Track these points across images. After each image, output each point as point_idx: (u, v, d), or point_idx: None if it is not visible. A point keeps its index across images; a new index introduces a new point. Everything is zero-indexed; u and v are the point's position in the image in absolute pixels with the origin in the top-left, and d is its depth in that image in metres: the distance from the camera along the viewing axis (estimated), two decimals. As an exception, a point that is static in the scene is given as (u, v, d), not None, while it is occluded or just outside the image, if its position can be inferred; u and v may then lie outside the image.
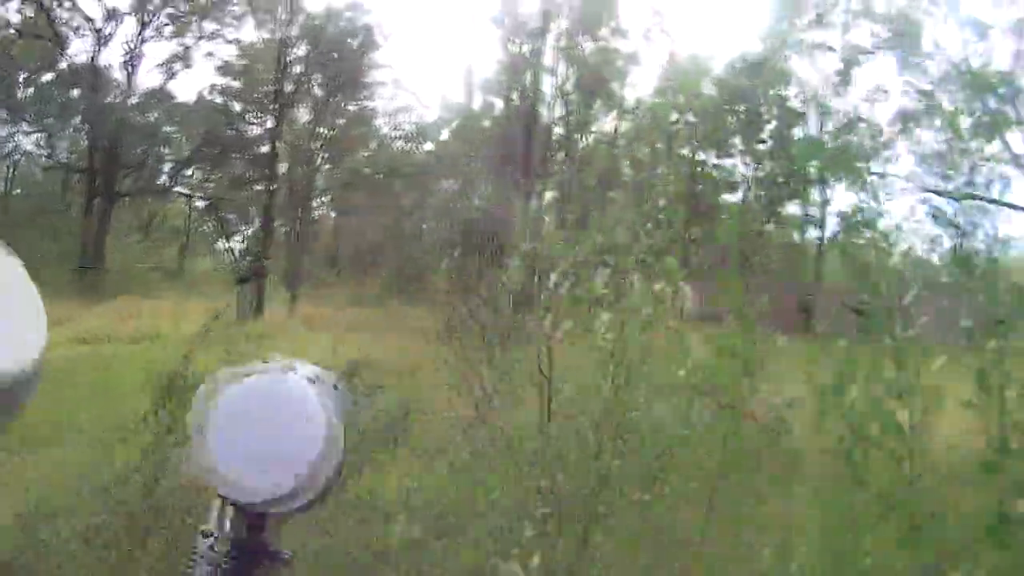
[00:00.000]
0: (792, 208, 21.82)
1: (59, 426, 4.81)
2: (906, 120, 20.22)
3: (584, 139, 22.46)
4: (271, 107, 20.55)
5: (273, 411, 0.46)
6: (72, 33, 22.94)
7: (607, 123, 21.98)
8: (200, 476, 0.46)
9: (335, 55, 21.84)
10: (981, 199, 20.55)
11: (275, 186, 19.94)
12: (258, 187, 22.97)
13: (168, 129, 23.09)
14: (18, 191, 26.80)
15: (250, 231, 25.20)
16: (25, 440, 4.34)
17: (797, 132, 21.06)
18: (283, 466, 0.44)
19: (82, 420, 5.01)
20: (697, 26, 41.70)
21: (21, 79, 23.63)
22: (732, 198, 22.89)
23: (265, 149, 20.87)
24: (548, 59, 20.92)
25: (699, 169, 22.16)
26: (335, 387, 0.53)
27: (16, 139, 25.99)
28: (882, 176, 21.51)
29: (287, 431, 0.46)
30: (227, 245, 24.73)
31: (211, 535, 0.44)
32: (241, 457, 0.45)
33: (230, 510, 0.44)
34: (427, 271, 18.84)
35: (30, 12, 21.91)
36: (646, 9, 25.40)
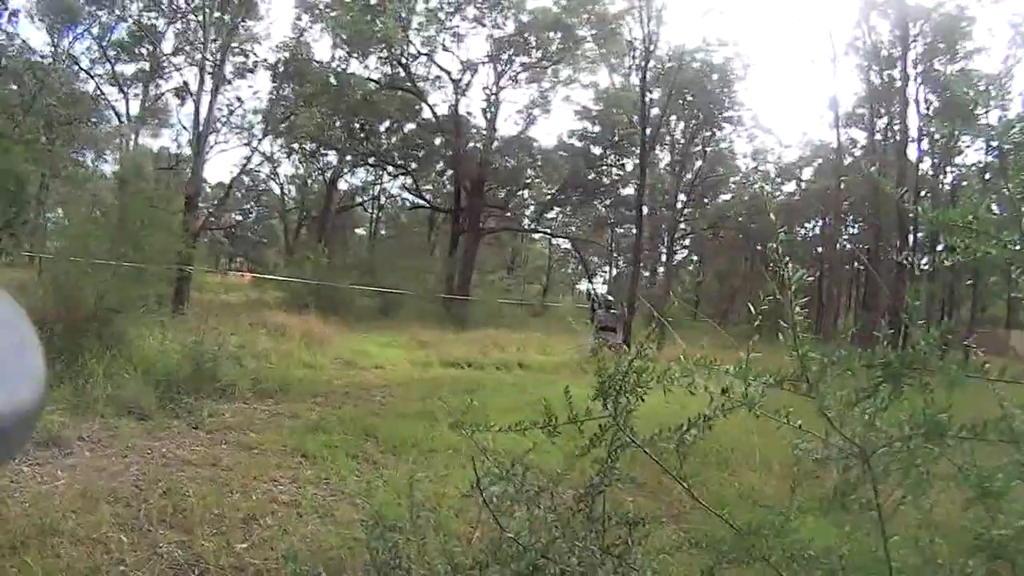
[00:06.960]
0: None
1: (405, 442, 5.12)
2: None
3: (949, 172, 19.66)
4: (632, 150, 20.52)
5: None
6: (431, 84, 25.09)
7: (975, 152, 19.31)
8: None
9: (692, 96, 21.33)
10: None
11: (641, 228, 19.73)
12: (619, 229, 23.44)
13: (531, 172, 24.22)
14: (383, 232, 30.11)
15: (611, 273, 25.42)
16: (371, 450, 4.87)
17: None
18: None
19: (428, 437, 5.20)
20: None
21: (384, 128, 26.55)
22: None
23: (626, 192, 20.89)
24: (908, 87, 18.63)
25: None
26: None
27: (382, 184, 29.47)
28: None
29: None
30: (588, 286, 25.34)
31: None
32: None
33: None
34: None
35: (390, 68, 24.24)
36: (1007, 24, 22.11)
